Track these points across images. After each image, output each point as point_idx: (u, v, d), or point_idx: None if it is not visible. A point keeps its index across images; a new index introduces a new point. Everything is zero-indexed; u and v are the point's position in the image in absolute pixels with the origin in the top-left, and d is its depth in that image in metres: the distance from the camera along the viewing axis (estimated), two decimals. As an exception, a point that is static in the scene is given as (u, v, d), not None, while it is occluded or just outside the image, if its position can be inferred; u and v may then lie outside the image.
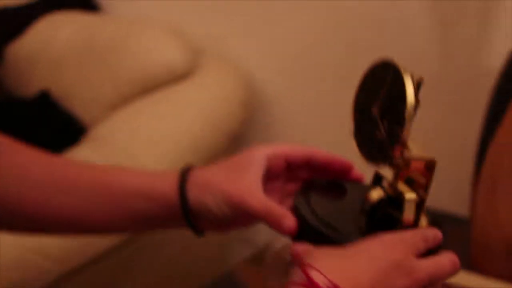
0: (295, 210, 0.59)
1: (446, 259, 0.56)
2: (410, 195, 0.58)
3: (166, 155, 1.28)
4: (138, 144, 1.29)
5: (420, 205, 0.58)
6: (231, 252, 1.56)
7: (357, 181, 0.64)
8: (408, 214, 0.58)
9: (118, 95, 1.42)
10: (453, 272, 0.56)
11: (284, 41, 1.46)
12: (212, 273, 1.20)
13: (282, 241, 0.78)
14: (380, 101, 0.58)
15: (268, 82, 1.51)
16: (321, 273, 0.51)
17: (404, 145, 0.57)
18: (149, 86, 1.40)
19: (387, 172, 0.60)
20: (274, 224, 0.58)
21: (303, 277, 0.51)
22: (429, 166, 0.58)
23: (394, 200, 0.59)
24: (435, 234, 0.57)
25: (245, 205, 0.58)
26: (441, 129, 1.32)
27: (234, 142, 1.46)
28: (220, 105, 1.40)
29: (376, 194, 0.59)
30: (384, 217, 0.59)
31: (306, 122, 1.49)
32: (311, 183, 0.63)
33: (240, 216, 0.60)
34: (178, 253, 1.38)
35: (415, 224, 0.58)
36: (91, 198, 0.61)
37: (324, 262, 0.53)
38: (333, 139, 1.38)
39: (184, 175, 0.61)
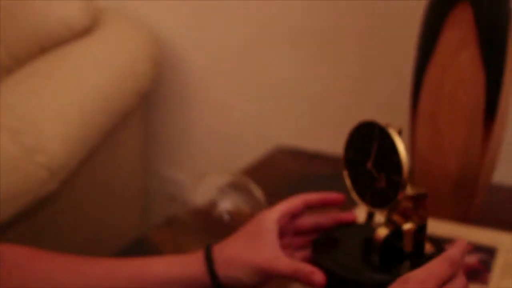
0: (317, 264, 0.67)
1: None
2: (407, 226, 0.67)
3: (72, 121, 1.15)
4: (40, 110, 1.14)
5: (420, 231, 0.67)
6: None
7: (353, 222, 0.74)
8: (408, 242, 0.67)
9: (12, 58, 1.28)
10: None
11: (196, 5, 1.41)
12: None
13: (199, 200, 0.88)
14: (373, 157, 0.67)
15: (177, 39, 1.45)
16: None
17: (404, 189, 0.65)
18: (47, 45, 1.27)
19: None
20: (305, 280, 0.65)
21: None
22: (421, 198, 0.67)
23: (396, 233, 0.67)
24: (455, 255, 0.62)
25: (275, 271, 0.66)
26: (377, 68, 1.30)
27: (146, 100, 1.39)
28: (126, 62, 1.30)
29: (382, 232, 0.67)
30: (392, 251, 0.67)
31: (217, 79, 1.44)
32: (320, 239, 0.72)
33: (268, 279, 0.68)
34: (101, 215, 1.29)
35: (419, 250, 0.67)
36: None
37: None
38: (244, 95, 1.42)
39: (209, 255, 0.68)
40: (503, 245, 0.89)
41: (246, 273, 0.67)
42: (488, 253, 0.86)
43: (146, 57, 1.32)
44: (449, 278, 0.60)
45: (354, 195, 0.71)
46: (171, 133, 1.50)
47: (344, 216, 0.75)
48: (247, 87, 1.41)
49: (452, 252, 0.62)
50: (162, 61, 1.41)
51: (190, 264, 0.68)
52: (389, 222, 0.68)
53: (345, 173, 0.72)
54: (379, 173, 0.67)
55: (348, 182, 0.72)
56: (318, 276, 0.65)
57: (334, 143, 0.92)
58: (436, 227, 0.92)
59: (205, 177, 0.90)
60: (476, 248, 0.87)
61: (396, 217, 0.68)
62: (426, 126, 0.99)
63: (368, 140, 0.67)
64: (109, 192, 1.31)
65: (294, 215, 0.73)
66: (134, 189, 1.40)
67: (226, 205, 0.84)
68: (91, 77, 1.23)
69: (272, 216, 0.70)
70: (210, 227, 0.85)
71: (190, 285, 0.68)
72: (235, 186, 0.87)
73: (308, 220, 0.74)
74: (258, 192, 0.88)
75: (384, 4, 1.24)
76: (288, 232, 0.73)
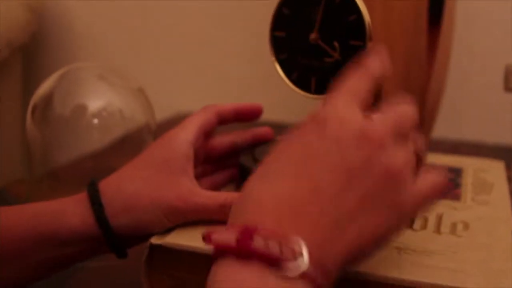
0: (241, 168, 0.57)
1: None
2: None
3: None
4: None
5: None
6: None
7: (273, 139, 0.60)
8: None
9: None
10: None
11: None
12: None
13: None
14: (318, 23, 0.51)
15: None
16: None
17: None
18: None
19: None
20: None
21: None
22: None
23: None
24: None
25: (193, 209, 0.50)
26: None
27: (25, 54, 1.20)
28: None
29: None
30: None
31: (107, 36, 1.26)
32: (245, 160, 0.58)
33: (180, 221, 0.51)
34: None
35: None
36: None
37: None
38: (138, 57, 1.23)
39: (95, 197, 0.50)
40: (469, 165, 0.71)
41: (152, 217, 0.50)
42: (449, 172, 0.69)
43: (21, 3, 1.13)
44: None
45: (291, 86, 0.54)
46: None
47: (262, 131, 0.60)
48: (142, 48, 1.21)
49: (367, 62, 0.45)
50: (44, 12, 1.23)
51: (68, 212, 0.50)
52: None
53: (274, 60, 0.54)
54: (330, 43, 0.50)
55: (279, 70, 0.54)
56: None
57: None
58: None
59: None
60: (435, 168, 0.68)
61: None
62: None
63: (308, 4, 0.50)
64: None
65: (207, 134, 0.57)
66: (14, 143, 1.16)
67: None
68: None
69: (186, 137, 0.53)
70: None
71: (69, 242, 0.49)
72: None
73: (223, 140, 0.59)
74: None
75: None
76: (200, 156, 0.57)
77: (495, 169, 0.70)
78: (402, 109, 0.43)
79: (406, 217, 0.41)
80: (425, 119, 0.83)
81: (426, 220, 0.54)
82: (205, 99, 1.18)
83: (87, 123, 0.58)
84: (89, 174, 0.62)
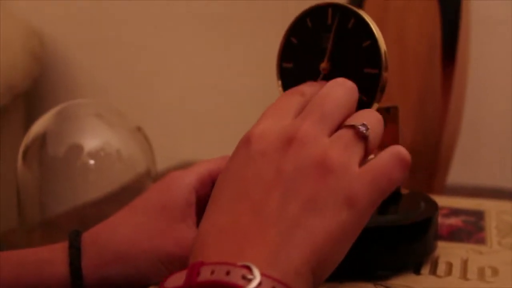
0: None
1: None
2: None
3: None
4: None
5: None
6: None
7: None
8: None
9: None
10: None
11: None
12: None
13: None
14: (329, 52, 0.46)
15: (60, 35, 1.25)
16: None
17: (386, 83, 0.45)
18: None
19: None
20: None
21: None
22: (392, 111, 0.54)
23: None
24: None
25: None
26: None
27: (27, 102, 1.18)
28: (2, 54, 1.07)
29: None
30: None
31: (107, 79, 1.23)
32: None
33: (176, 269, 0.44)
34: None
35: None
36: None
37: None
38: (129, 92, 1.20)
39: (74, 248, 0.46)
40: (491, 208, 0.66)
41: (148, 265, 0.46)
42: (469, 215, 0.65)
43: (23, 50, 1.11)
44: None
45: None
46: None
47: None
48: (145, 93, 1.19)
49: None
50: (46, 58, 1.21)
51: (56, 261, 0.45)
52: None
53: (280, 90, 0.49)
54: (342, 72, 0.45)
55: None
56: None
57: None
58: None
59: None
60: (452, 211, 0.65)
61: None
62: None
63: (317, 32, 0.47)
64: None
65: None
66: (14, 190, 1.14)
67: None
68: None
69: (189, 181, 0.49)
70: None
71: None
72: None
73: None
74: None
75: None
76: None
77: (518, 211, 0.65)
78: (322, 93, 0.40)
79: (363, 208, 0.36)
80: (441, 160, 0.79)
81: (450, 266, 0.50)
82: (211, 147, 1.14)
83: (83, 164, 0.54)
84: (85, 223, 0.58)
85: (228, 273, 0.32)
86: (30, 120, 1.23)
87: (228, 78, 1.13)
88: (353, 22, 0.45)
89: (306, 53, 0.47)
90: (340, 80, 0.41)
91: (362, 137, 0.38)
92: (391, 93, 0.72)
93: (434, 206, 0.53)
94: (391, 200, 0.50)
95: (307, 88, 0.43)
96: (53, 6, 1.25)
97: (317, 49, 0.46)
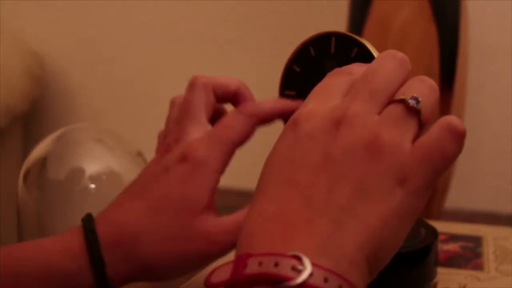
0: None
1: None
2: None
3: None
4: None
5: None
6: None
7: None
8: None
9: None
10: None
11: (75, 16, 1.24)
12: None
13: None
14: None
15: (59, 57, 1.25)
16: None
17: None
18: None
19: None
20: None
21: None
22: None
23: None
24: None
25: (219, 249, 0.45)
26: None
27: (26, 123, 1.17)
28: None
29: None
30: None
31: (102, 102, 1.24)
32: None
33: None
34: None
35: None
36: None
37: None
38: (129, 116, 1.20)
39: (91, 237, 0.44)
40: (488, 233, 0.67)
41: (178, 272, 0.46)
42: (468, 241, 0.65)
43: (22, 71, 1.11)
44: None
45: None
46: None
47: None
48: (145, 117, 1.19)
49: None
50: (45, 81, 1.21)
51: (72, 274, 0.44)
52: None
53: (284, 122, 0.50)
54: None
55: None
56: None
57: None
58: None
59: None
60: (450, 237, 0.65)
61: None
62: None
63: (320, 60, 0.47)
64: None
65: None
66: (13, 213, 1.13)
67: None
68: None
69: (214, 167, 0.46)
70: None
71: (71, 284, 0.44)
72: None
73: None
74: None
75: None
76: None
77: (516, 237, 0.66)
78: (370, 69, 0.38)
79: (417, 188, 0.34)
80: (439, 185, 0.79)
81: (449, 292, 0.50)
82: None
83: (84, 188, 0.55)
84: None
85: (276, 264, 0.31)
86: (28, 142, 1.23)
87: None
88: (356, 51, 0.45)
89: (309, 81, 0.48)
90: (392, 52, 0.38)
91: (414, 112, 0.36)
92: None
93: (433, 233, 0.53)
94: None
95: (354, 67, 0.41)
96: (52, 28, 1.25)
97: (320, 77, 0.47)
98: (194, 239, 0.44)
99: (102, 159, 0.55)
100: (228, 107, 0.53)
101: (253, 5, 1.09)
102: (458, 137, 0.35)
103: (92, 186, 0.54)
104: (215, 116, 0.50)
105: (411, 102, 0.35)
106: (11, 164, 1.14)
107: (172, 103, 0.51)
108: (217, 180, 0.46)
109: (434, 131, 0.35)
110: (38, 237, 0.59)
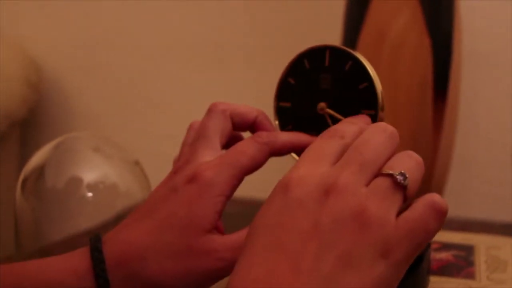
0: None
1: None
2: None
3: None
4: None
5: None
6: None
7: None
8: None
9: None
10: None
11: (74, 23, 1.25)
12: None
13: None
14: (331, 94, 0.48)
15: (58, 67, 1.26)
16: None
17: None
18: None
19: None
20: None
21: None
22: None
23: None
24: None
25: (227, 267, 0.45)
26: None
27: (24, 130, 1.18)
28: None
29: None
30: None
31: (99, 109, 1.25)
32: None
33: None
34: None
35: None
36: None
37: None
38: (126, 123, 1.21)
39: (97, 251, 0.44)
40: (480, 242, 0.68)
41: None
42: (460, 249, 0.66)
43: (20, 78, 1.13)
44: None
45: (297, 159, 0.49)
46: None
47: None
48: (142, 125, 1.20)
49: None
50: (43, 88, 1.22)
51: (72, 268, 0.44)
52: None
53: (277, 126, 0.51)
54: (339, 113, 0.47)
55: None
56: None
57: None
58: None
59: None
60: (443, 245, 0.66)
61: None
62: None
63: (315, 73, 0.48)
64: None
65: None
66: (11, 219, 1.14)
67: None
68: None
69: (221, 190, 0.46)
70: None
71: None
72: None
73: None
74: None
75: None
76: None
77: (508, 246, 0.67)
78: (362, 140, 0.39)
79: (398, 262, 0.35)
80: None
81: (440, 300, 0.51)
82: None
83: (81, 196, 0.55)
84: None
85: None
86: (26, 148, 1.24)
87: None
88: (350, 64, 0.46)
89: (303, 93, 0.48)
90: (382, 126, 0.40)
91: (401, 187, 0.37)
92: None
93: None
94: None
95: (347, 129, 0.41)
96: (50, 35, 1.26)
97: (314, 89, 0.48)
98: (200, 256, 0.44)
99: (99, 168, 0.55)
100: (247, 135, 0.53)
101: (251, 12, 1.10)
102: (441, 215, 0.36)
103: (90, 194, 0.55)
104: (231, 143, 0.50)
105: (399, 178, 0.37)
106: (9, 168, 1.15)
107: (190, 128, 0.52)
108: (224, 203, 0.46)
109: (419, 208, 0.36)
110: (36, 244, 0.60)
